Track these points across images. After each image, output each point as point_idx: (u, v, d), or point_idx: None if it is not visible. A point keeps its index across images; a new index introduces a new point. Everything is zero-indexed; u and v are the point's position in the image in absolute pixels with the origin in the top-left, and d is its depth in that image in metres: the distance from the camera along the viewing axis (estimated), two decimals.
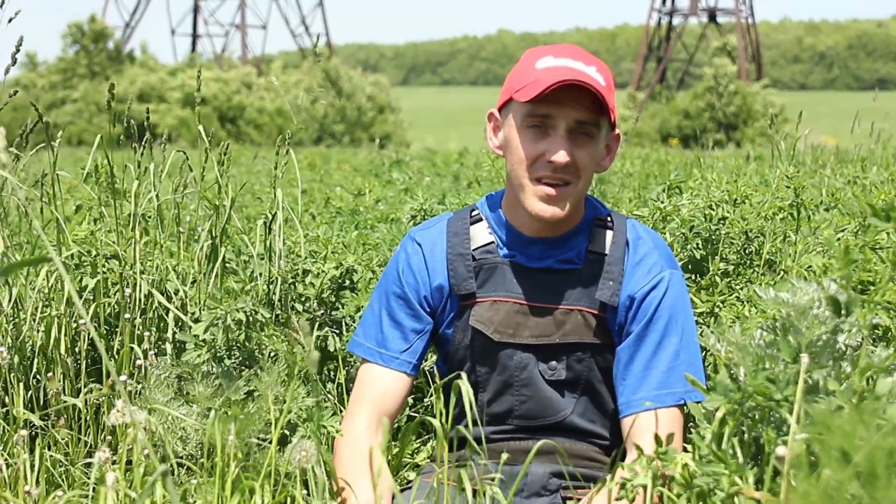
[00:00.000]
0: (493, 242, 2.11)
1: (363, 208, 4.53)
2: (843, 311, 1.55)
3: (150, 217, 2.89)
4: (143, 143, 2.86)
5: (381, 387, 2.11)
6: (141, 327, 2.63)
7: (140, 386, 2.37)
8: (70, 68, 49.81)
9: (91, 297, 2.65)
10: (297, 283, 2.72)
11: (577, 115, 1.94)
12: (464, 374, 1.76)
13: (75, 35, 51.90)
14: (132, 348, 2.51)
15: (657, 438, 1.55)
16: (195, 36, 63.98)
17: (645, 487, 1.52)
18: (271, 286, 2.67)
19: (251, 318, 2.33)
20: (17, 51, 2.54)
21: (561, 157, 1.93)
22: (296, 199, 3.03)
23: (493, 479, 1.89)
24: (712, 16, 60.34)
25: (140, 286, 2.64)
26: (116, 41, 54.31)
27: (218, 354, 2.30)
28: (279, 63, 57.53)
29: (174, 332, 2.63)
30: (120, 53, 53.44)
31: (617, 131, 2.08)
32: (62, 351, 2.51)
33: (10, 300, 2.54)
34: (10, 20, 2.56)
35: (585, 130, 1.96)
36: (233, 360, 2.35)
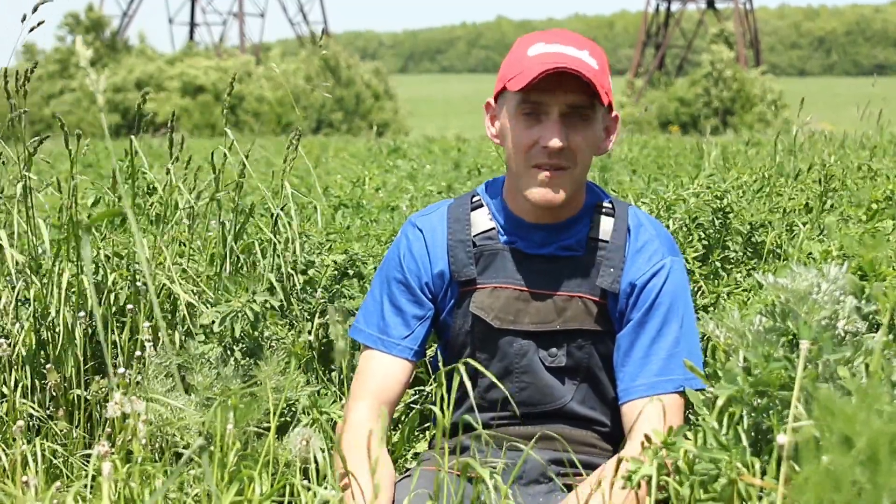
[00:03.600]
0: (493, 229, 2.10)
1: (365, 201, 4.49)
2: (863, 296, 1.55)
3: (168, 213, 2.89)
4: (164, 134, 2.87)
5: (382, 373, 2.11)
6: (145, 318, 2.62)
7: (139, 376, 2.37)
8: (67, 58, 49.71)
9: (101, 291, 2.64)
10: (299, 274, 2.72)
11: (569, 100, 1.93)
12: (461, 367, 1.75)
13: (72, 25, 51.80)
14: (138, 340, 2.51)
15: (657, 426, 1.55)
16: (193, 24, 63.83)
17: (650, 478, 1.51)
18: (280, 277, 2.68)
19: (263, 310, 2.33)
20: (31, 31, 2.53)
21: (555, 142, 1.92)
22: (296, 188, 3.02)
23: (492, 467, 1.88)
24: (710, 2, 60.22)
25: (153, 279, 2.64)
26: (113, 30, 54.18)
27: (227, 346, 2.30)
28: (277, 51, 57.43)
29: (185, 323, 2.62)
30: (117, 43, 53.33)
31: (615, 113, 2.07)
32: (65, 342, 2.50)
33: (13, 292, 2.53)
34: (22, 19, 2.55)
35: (580, 114, 1.95)
36: (240, 349, 2.35)
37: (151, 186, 2.99)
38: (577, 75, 1.89)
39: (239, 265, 2.75)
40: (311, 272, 2.73)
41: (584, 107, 1.95)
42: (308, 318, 2.74)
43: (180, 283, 2.63)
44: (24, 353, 2.45)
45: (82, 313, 2.52)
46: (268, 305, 2.33)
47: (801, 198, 3.01)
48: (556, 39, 1.99)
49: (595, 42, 2.04)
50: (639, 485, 1.53)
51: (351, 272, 2.77)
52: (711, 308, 2.67)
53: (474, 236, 2.10)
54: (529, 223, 2.07)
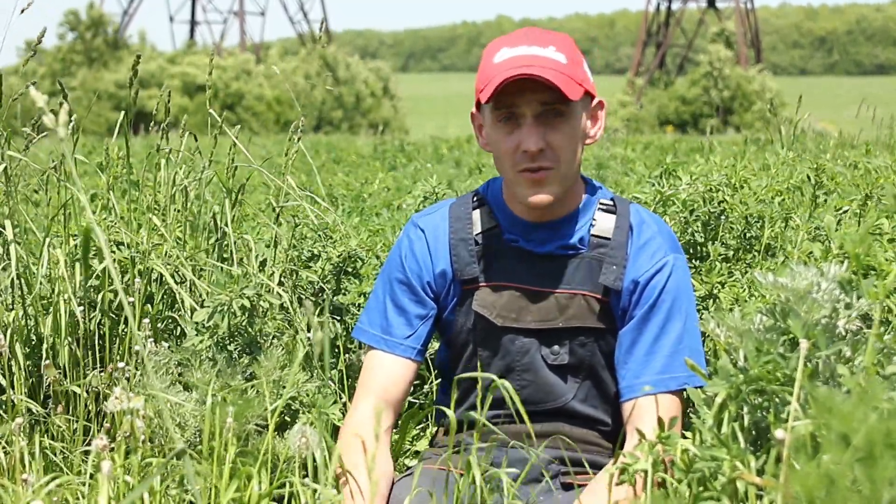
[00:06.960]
0: (495, 227, 2.10)
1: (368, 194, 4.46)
2: (855, 293, 1.55)
3: (161, 204, 2.89)
4: (158, 130, 2.89)
5: (385, 373, 2.11)
6: (142, 313, 2.62)
7: (139, 372, 2.37)
8: (68, 57, 49.76)
9: (98, 284, 2.64)
10: (299, 269, 2.72)
11: (540, 98, 1.92)
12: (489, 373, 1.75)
13: (72, 23, 51.81)
14: (139, 334, 2.51)
15: (659, 423, 1.55)
16: (193, 23, 63.81)
17: (646, 473, 1.51)
18: (277, 272, 2.68)
19: (254, 304, 2.33)
20: (39, 42, 2.59)
21: (532, 144, 1.92)
22: (302, 186, 3.03)
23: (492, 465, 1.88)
24: (711, 1, 60.19)
25: (149, 272, 2.64)
26: (114, 27, 54.20)
27: (220, 342, 2.30)
28: (277, 50, 57.39)
29: (179, 317, 2.62)
30: (118, 41, 53.35)
31: (598, 99, 2.06)
32: (63, 337, 2.50)
33: (11, 286, 2.53)
34: (22, 11, 2.57)
35: (555, 110, 1.94)
36: (235, 346, 2.35)
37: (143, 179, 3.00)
38: (540, 80, 1.88)
39: (233, 255, 2.75)
40: (315, 265, 2.73)
41: (557, 103, 1.94)
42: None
43: (175, 278, 2.63)
44: (20, 349, 2.45)
45: (81, 308, 2.53)
46: (264, 301, 2.32)
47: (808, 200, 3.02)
48: (519, 42, 1.97)
49: (563, 34, 2.02)
50: (635, 480, 1.53)
51: (349, 269, 2.77)
52: (708, 299, 2.67)
53: (476, 235, 2.11)
54: (530, 222, 2.07)
